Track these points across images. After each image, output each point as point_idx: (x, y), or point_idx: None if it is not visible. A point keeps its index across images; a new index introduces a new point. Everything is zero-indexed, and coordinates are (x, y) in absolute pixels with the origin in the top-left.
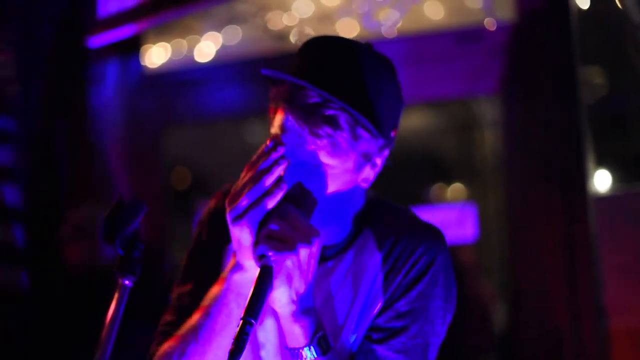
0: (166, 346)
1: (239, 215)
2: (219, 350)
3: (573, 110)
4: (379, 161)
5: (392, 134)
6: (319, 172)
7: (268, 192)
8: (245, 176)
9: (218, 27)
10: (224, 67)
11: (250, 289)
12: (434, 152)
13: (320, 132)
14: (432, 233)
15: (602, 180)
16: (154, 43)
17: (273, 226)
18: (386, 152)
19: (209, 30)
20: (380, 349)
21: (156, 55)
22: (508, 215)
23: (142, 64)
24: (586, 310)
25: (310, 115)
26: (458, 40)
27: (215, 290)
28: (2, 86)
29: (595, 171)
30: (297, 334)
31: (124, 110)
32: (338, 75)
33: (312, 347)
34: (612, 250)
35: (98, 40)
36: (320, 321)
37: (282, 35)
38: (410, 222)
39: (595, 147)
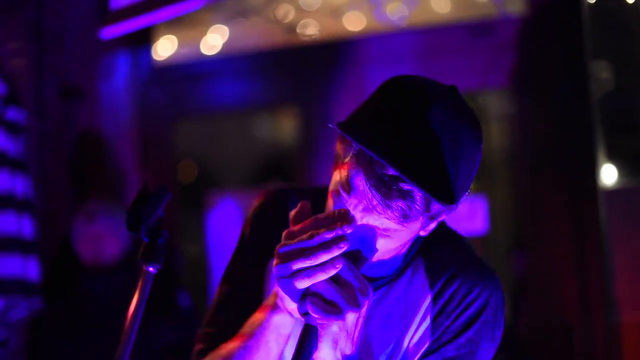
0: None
1: (286, 276)
2: None
3: (583, 104)
4: (440, 217)
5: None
6: (384, 234)
7: (321, 267)
8: (304, 235)
9: (226, 20)
10: (232, 60)
11: (289, 329)
12: None
13: (394, 205)
14: (487, 275)
15: (611, 174)
16: (163, 35)
17: (321, 286)
18: (449, 211)
19: (217, 23)
20: None
21: (164, 47)
22: (517, 209)
23: (152, 56)
24: (596, 304)
25: (386, 187)
26: (469, 33)
27: (255, 319)
28: (14, 77)
29: (604, 165)
30: None
31: (134, 103)
32: (423, 155)
33: None
34: (622, 243)
35: (110, 31)
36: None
37: (291, 28)
38: (466, 259)
39: (604, 141)
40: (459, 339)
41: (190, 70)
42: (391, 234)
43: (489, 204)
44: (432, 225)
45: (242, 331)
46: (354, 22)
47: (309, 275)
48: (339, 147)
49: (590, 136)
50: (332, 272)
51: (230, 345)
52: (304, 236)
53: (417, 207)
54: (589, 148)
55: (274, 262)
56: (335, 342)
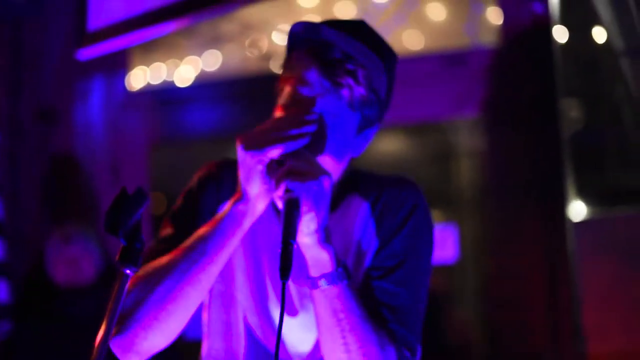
0: (152, 264)
1: (259, 146)
2: (203, 274)
3: (553, 137)
4: (370, 134)
5: (385, 112)
6: (331, 121)
7: (295, 137)
8: (275, 117)
9: (201, 48)
10: (206, 87)
11: (248, 223)
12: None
13: (343, 82)
14: (410, 181)
15: (580, 207)
16: (138, 64)
17: (293, 163)
18: (377, 127)
19: (193, 48)
20: (382, 284)
21: (138, 77)
22: (487, 240)
23: (127, 82)
24: (565, 334)
25: (334, 68)
26: (441, 63)
27: (215, 218)
28: None
29: (574, 196)
30: (325, 260)
31: (108, 127)
32: (359, 37)
33: (339, 270)
34: (591, 274)
35: (87, 53)
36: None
37: (266, 56)
38: (388, 177)
39: (574, 175)
40: (401, 231)
41: (165, 96)
42: (339, 120)
43: (459, 233)
44: (362, 141)
45: (198, 232)
46: None
47: (282, 144)
48: (288, 65)
49: (559, 170)
50: (301, 144)
51: (189, 241)
52: (277, 117)
53: (360, 89)
54: (558, 181)
55: (241, 143)
56: (315, 207)
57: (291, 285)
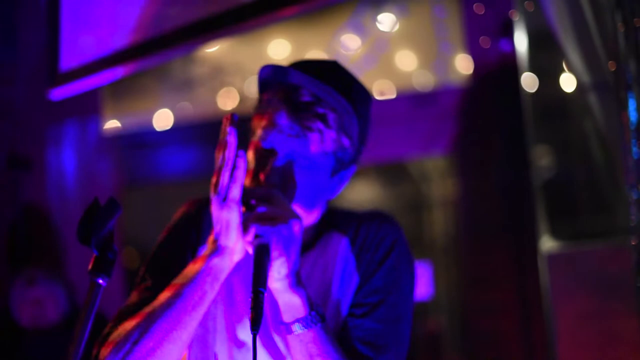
0: (127, 324)
1: (224, 198)
2: (183, 331)
3: (524, 182)
4: (346, 176)
5: (361, 151)
6: (303, 166)
7: (235, 166)
8: (216, 162)
9: (173, 92)
10: (180, 130)
11: (224, 274)
12: None
13: (313, 126)
14: (390, 217)
15: (551, 241)
16: (111, 109)
17: (261, 209)
18: (353, 169)
19: (166, 92)
20: (364, 323)
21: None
22: (461, 278)
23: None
24: None
25: (304, 111)
26: (412, 103)
27: (189, 270)
28: None
29: (545, 232)
30: (297, 304)
31: (81, 173)
32: (330, 80)
33: (312, 313)
34: (564, 308)
35: (59, 93)
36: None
37: (241, 98)
38: (367, 212)
39: (545, 215)
40: (382, 267)
41: (138, 140)
42: (311, 166)
43: (433, 270)
44: (337, 183)
45: (174, 282)
46: None
47: (233, 180)
48: (255, 118)
49: (531, 211)
50: (243, 163)
51: (161, 297)
52: (216, 158)
53: (331, 133)
54: (530, 220)
55: (212, 195)
56: (285, 252)
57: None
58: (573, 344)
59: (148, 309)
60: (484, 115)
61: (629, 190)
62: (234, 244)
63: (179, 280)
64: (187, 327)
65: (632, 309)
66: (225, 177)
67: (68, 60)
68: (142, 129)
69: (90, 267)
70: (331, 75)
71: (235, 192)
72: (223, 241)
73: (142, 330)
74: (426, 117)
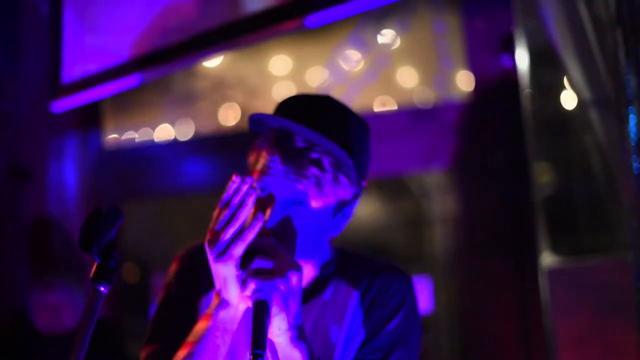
0: None
1: (222, 252)
2: None
3: (524, 189)
4: (350, 212)
5: (363, 184)
6: (301, 211)
7: (246, 225)
8: (219, 214)
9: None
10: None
11: (234, 325)
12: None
13: (307, 173)
14: (402, 272)
15: (552, 256)
16: (112, 122)
17: (259, 261)
18: (356, 203)
19: (167, 106)
20: None
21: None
22: (462, 291)
23: (102, 139)
24: None
25: (298, 158)
26: (415, 117)
27: (199, 327)
28: None
29: (546, 245)
30: (297, 358)
31: (82, 185)
32: (323, 122)
33: None
34: (564, 323)
35: (61, 105)
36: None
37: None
38: (380, 264)
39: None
40: (388, 326)
41: (139, 154)
42: (309, 211)
43: (434, 284)
44: (341, 220)
45: (187, 340)
46: None
47: (240, 238)
48: (251, 158)
49: (532, 226)
50: (258, 226)
51: (180, 355)
52: (219, 213)
53: (327, 176)
54: (531, 235)
55: (208, 248)
56: (285, 307)
57: None
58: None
59: None
60: (484, 131)
61: (630, 205)
62: (236, 296)
63: (190, 339)
64: None
65: (633, 324)
66: (228, 234)
67: (70, 72)
68: (143, 142)
69: (91, 274)
70: (323, 115)
71: (238, 250)
72: (225, 295)
73: None
74: (427, 132)
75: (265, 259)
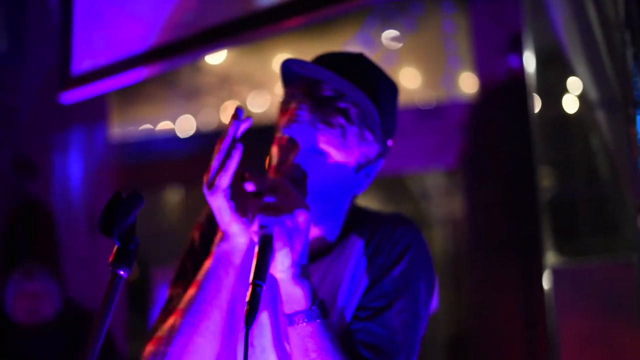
0: (164, 325)
1: (210, 184)
2: (209, 322)
3: (529, 190)
4: (373, 171)
5: (389, 144)
6: (323, 162)
7: (227, 154)
8: (214, 152)
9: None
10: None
11: (236, 258)
12: None
13: (334, 121)
14: (408, 220)
15: (556, 256)
16: (118, 115)
17: (267, 198)
18: (381, 163)
19: (173, 100)
20: (368, 326)
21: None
22: (464, 292)
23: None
24: None
25: (325, 106)
26: (420, 116)
27: (206, 265)
28: None
29: (550, 246)
30: (299, 296)
31: (87, 178)
32: (353, 75)
33: (313, 308)
34: (568, 323)
35: (70, 96)
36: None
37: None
38: (385, 214)
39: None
40: (392, 272)
41: (144, 147)
42: (332, 163)
43: (441, 281)
44: (364, 179)
45: (196, 279)
46: None
47: (223, 169)
48: (281, 107)
49: (536, 227)
50: (237, 154)
51: (187, 294)
52: (215, 149)
53: (353, 128)
54: (535, 235)
55: (203, 187)
56: (289, 242)
57: (268, 322)
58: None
59: (179, 307)
60: (490, 132)
61: (635, 207)
62: (234, 227)
63: (198, 277)
64: (210, 317)
65: (636, 325)
66: (215, 164)
67: (80, 64)
68: (148, 136)
69: (111, 258)
70: (354, 69)
71: (223, 180)
72: (222, 227)
73: (173, 328)
74: (432, 132)
75: (275, 196)
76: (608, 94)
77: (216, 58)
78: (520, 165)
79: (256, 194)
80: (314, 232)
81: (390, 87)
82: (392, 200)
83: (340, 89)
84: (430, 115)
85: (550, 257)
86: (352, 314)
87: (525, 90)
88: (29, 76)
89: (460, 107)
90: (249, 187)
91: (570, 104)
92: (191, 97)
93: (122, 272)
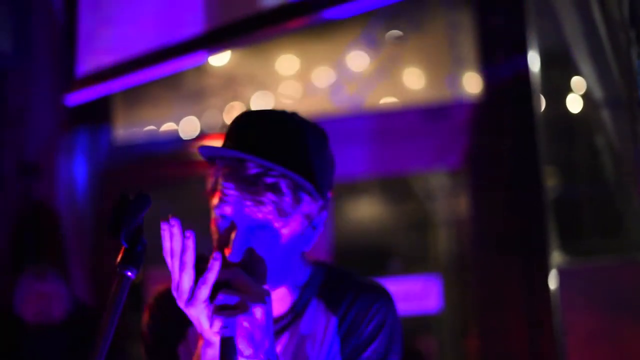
0: None
1: (189, 298)
2: None
3: (535, 190)
4: (319, 223)
5: (329, 194)
6: (266, 235)
7: (182, 263)
8: (172, 265)
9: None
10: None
11: None
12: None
13: (264, 199)
14: (383, 294)
15: (562, 256)
16: (122, 118)
17: (221, 297)
18: (325, 214)
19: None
20: None
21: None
22: (468, 292)
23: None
24: None
25: (253, 185)
26: (424, 116)
27: None
28: None
29: (556, 246)
30: None
31: (92, 180)
32: (274, 144)
33: None
34: (573, 323)
35: (75, 98)
36: None
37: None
38: (360, 285)
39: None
40: (365, 352)
41: (149, 150)
42: (274, 234)
43: (444, 283)
44: (311, 234)
45: None
46: (314, 104)
47: (202, 282)
48: (209, 184)
49: (541, 227)
50: (217, 265)
51: None
52: (172, 262)
53: (286, 199)
54: (540, 235)
55: (176, 297)
56: (252, 341)
57: None
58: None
59: None
60: (495, 131)
61: None
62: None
63: None
64: None
65: None
66: (187, 282)
67: (84, 66)
68: (152, 139)
69: (119, 259)
70: (276, 136)
71: (204, 293)
72: (205, 335)
73: None
74: (437, 132)
75: (229, 294)
76: (613, 93)
77: (220, 59)
78: (525, 165)
79: (212, 291)
80: (273, 297)
81: (318, 139)
82: (397, 200)
83: (264, 164)
84: (435, 115)
85: (556, 257)
86: None
87: (529, 90)
88: (34, 78)
89: (465, 107)
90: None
91: (574, 103)
92: (195, 98)
93: (129, 274)
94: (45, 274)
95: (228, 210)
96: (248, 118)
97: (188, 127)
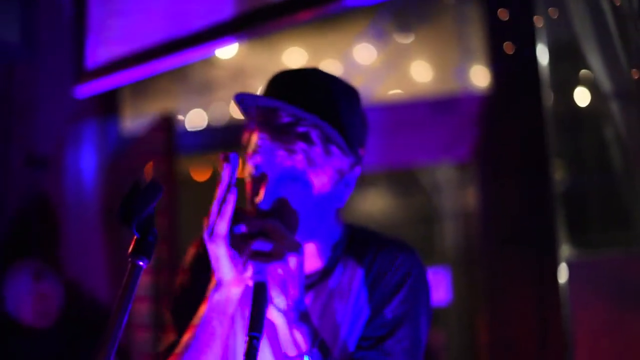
0: None
1: (210, 232)
2: None
3: (543, 183)
4: (351, 180)
5: (360, 152)
6: (297, 187)
7: (223, 200)
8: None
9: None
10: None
11: (230, 308)
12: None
13: (295, 148)
14: (407, 247)
15: (571, 248)
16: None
17: (258, 243)
18: (357, 171)
19: (185, 94)
20: (370, 355)
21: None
22: (477, 285)
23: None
24: None
25: (284, 134)
26: (432, 109)
27: (200, 311)
28: None
29: (565, 239)
30: (298, 340)
31: (100, 173)
32: (308, 96)
33: (314, 350)
34: (582, 317)
35: (84, 90)
36: (316, 328)
37: None
38: (385, 239)
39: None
40: (392, 301)
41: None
42: (306, 185)
43: (452, 275)
44: (343, 190)
45: (192, 324)
46: None
47: (220, 216)
48: (244, 138)
49: (550, 219)
50: (232, 198)
51: (182, 340)
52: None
53: (316, 149)
54: (549, 227)
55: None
56: (284, 288)
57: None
58: (591, 354)
59: (173, 354)
60: (503, 124)
61: None
62: (230, 276)
63: (193, 322)
64: None
65: None
66: (213, 212)
67: (94, 57)
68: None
69: (130, 249)
70: (308, 89)
71: (222, 227)
72: (218, 275)
73: None
74: (444, 125)
75: (264, 241)
76: (622, 86)
77: (227, 52)
78: (534, 158)
79: (247, 237)
80: (305, 253)
81: (349, 96)
82: (404, 193)
83: (296, 114)
84: (442, 108)
85: (565, 250)
86: (355, 344)
87: (538, 82)
88: (43, 70)
89: (473, 100)
90: (240, 229)
91: (583, 96)
92: (202, 91)
93: (141, 263)
94: (41, 272)
95: (260, 159)
96: (283, 74)
97: (196, 119)
